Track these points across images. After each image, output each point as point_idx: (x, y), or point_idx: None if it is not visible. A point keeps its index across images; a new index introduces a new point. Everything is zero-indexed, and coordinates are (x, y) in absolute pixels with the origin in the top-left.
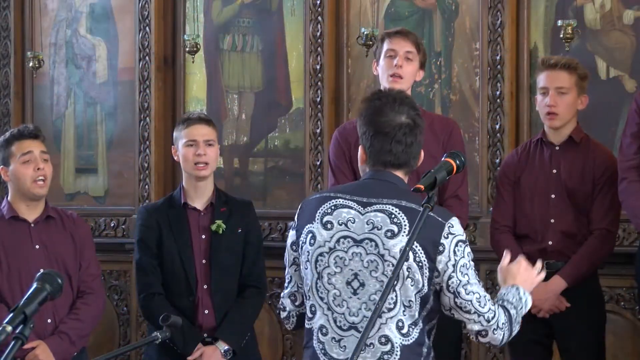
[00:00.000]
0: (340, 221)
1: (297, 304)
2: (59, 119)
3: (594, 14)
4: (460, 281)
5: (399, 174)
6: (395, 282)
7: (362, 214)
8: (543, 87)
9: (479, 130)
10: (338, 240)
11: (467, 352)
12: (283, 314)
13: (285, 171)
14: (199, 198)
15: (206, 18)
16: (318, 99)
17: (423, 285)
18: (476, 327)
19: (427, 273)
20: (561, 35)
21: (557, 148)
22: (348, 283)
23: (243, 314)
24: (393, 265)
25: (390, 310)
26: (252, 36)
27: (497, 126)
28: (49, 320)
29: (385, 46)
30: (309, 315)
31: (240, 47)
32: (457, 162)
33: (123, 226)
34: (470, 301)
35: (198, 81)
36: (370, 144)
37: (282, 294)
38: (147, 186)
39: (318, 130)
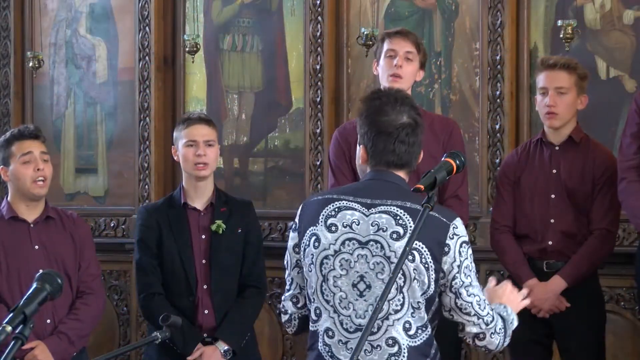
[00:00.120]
0: (344, 223)
1: (299, 306)
2: (59, 119)
3: (594, 14)
4: (463, 282)
5: (401, 174)
6: (403, 283)
7: (367, 216)
8: (542, 87)
9: (479, 130)
10: (343, 243)
11: (467, 352)
12: (284, 317)
13: (285, 171)
14: (199, 198)
15: (206, 18)
16: (318, 99)
17: (429, 287)
18: (475, 330)
19: (433, 274)
20: (561, 35)
21: (557, 148)
22: (354, 285)
23: (243, 314)
24: (401, 267)
25: (397, 312)
26: (252, 36)
27: (497, 126)
28: (48, 321)
29: (386, 46)
30: (314, 317)
31: (240, 47)
32: (457, 162)
33: (123, 226)
34: (471, 303)
35: (198, 81)
36: (372, 144)
37: (282, 297)
38: (147, 186)
39: (318, 130)
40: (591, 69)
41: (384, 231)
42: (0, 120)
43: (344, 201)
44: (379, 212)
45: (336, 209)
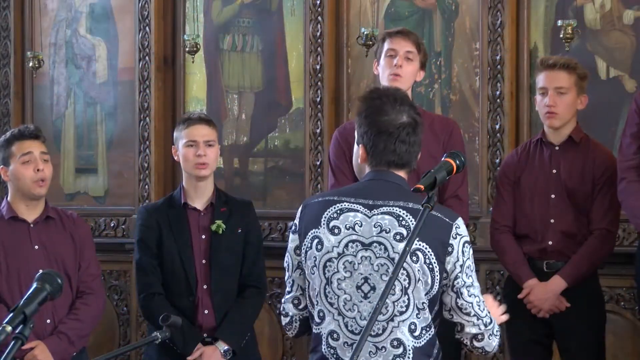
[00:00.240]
0: (347, 225)
1: (300, 307)
2: (59, 119)
3: (594, 14)
4: (465, 282)
5: (402, 174)
6: (408, 285)
7: (369, 217)
8: (542, 87)
9: (479, 130)
10: (346, 245)
11: (467, 352)
12: (285, 320)
13: (285, 171)
14: (199, 198)
15: (206, 18)
16: (318, 99)
17: (432, 287)
18: (474, 330)
19: (437, 275)
20: (561, 35)
21: (557, 148)
22: (358, 287)
23: (243, 314)
24: (404, 268)
25: (402, 313)
26: (252, 36)
27: (497, 126)
28: (48, 321)
29: (386, 46)
30: (317, 320)
31: (240, 47)
32: (457, 162)
33: (123, 226)
34: (471, 304)
35: (198, 81)
36: (372, 144)
37: (283, 300)
38: (147, 186)
39: (318, 130)
40: (591, 69)
41: (387, 232)
42: (0, 120)
43: (345, 203)
44: (382, 213)
45: (338, 211)
